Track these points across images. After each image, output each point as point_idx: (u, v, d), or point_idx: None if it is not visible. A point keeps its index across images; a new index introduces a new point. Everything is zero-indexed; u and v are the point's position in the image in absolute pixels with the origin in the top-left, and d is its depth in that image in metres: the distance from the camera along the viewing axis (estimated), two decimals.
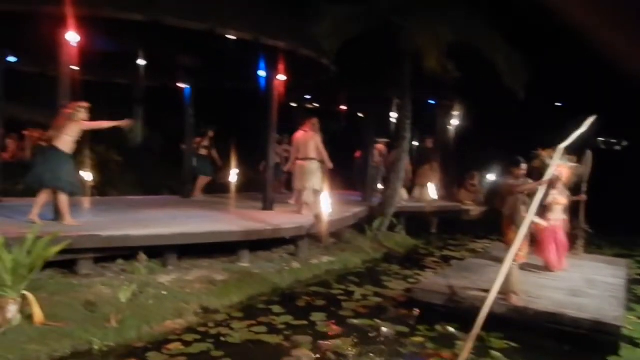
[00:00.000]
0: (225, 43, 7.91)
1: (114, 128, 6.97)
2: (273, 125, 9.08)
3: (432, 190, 12.48)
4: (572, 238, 7.76)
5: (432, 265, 8.75)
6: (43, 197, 6.35)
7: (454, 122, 14.78)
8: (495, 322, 4.93)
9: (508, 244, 5.42)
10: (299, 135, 8.89)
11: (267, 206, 9.04)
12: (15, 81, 9.29)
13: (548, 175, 5.66)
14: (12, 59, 9.30)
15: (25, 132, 17.47)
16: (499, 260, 5.57)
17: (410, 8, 9.51)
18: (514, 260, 5.23)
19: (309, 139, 8.73)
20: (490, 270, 6.64)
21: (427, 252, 10.01)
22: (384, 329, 5.33)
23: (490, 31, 9.64)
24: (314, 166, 8.68)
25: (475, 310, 4.69)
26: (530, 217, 5.26)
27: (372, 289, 6.94)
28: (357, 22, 9.69)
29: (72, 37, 6.61)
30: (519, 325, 5.26)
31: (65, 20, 6.38)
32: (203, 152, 10.99)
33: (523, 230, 5.14)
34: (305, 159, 8.70)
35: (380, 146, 13.06)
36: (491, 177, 14.78)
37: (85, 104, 6.44)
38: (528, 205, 5.45)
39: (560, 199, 7.08)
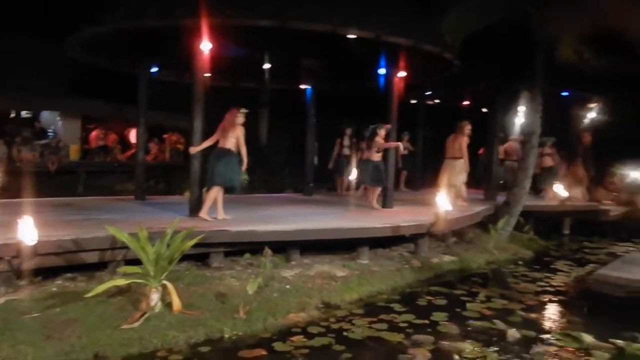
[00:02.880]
0: (347, 42, 8.03)
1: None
2: (394, 123, 9.04)
3: (561, 189, 11.63)
4: None
5: (564, 268, 8.12)
6: (216, 193, 7.00)
7: (591, 115, 13.64)
8: None
9: None
10: (450, 137, 9.82)
11: (387, 204, 9.02)
12: (155, 90, 10.17)
13: None
14: (152, 69, 10.22)
15: (165, 136, 19.11)
16: None
17: None
18: None
19: (456, 140, 9.67)
20: None
21: (558, 255, 9.32)
22: (510, 333, 5.07)
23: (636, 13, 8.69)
24: (457, 164, 9.57)
25: None
26: None
27: (498, 291, 6.62)
28: (481, 14, 9.29)
29: (205, 46, 7.09)
30: None
31: (199, 30, 6.89)
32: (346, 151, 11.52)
33: None
34: (452, 157, 9.66)
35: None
36: (635, 174, 13.42)
37: (245, 110, 7.03)
38: None
39: None
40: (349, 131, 11.63)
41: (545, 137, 11.73)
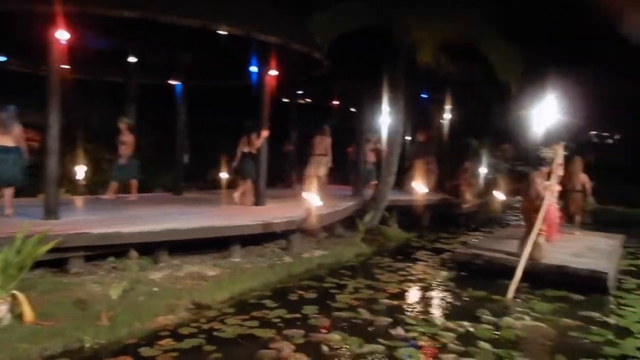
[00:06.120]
0: (217, 39, 7.92)
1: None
2: (265, 121, 9.08)
3: (421, 184, 12.52)
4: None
5: (424, 257, 8.78)
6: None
7: (447, 115, 14.81)
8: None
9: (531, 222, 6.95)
10: (317, 137, 11.39)
11: (259, 201, 9.06)
12: (5, 81, 9.21)
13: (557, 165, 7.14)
14: (1, 58, 9.25)
15: None
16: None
17: (408, 2, 9.49)
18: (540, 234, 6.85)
19: (323, 140, 11.32)
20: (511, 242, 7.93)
21: (419, 245, 10.03)
22: (375, 320, 5.36)
23: (485, 24, 9.59)
24: (323, 160, 11.13)
25: (502, 268, 7.02)
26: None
27: (365, 282, 6.97)
28: (351, 17, 9.67)
29: (62, 35, 6.56)
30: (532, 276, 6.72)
31: (54, 18, 6.35)
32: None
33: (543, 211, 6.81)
34: (319, 154, 11.21)
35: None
36: (484, 170, 14.79)
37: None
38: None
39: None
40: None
41: (370, 134, 12.54)
